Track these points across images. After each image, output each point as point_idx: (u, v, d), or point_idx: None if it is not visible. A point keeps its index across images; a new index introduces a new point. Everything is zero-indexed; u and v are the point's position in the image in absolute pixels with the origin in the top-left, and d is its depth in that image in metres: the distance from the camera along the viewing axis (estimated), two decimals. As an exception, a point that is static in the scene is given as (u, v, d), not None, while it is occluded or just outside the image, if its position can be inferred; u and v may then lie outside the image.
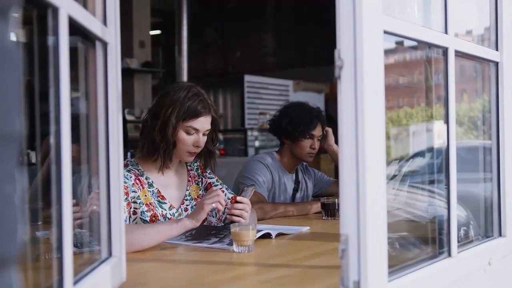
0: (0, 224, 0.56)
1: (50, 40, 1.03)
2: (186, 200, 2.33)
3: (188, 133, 2.20)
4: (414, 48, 1.73)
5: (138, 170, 2.23)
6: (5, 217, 0.56)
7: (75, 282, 1.11)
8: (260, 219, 2.70)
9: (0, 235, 0.56)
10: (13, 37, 0.58)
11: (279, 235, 2.19)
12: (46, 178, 1.16)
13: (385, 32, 1.25)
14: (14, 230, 0.57)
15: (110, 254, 1.38)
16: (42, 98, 1.05)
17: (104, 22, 1.36)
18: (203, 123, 2.22)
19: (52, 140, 1.03)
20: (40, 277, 1.21)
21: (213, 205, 1.99)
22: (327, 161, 6.70)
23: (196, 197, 2.37)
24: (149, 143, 2.20)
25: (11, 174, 0.57)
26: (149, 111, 2.26)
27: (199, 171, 2.43)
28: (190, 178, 2.39)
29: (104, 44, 1.36)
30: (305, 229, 2.36)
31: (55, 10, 1.01)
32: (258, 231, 2.04)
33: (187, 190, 2.35)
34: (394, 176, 2.23)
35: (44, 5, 0.99)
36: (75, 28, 1.13)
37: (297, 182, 3.16)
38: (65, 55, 1.03)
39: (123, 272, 1.43)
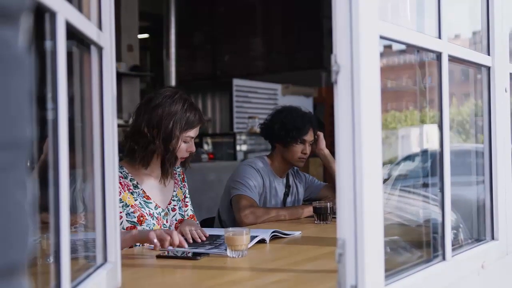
0: (12, 231, 0.55)
1: (47, 44, 1.02)
2: (174, 200, 2.42)
3: (185, 142, 2.30)
4: (402, 52, 1.75)
5: (121, 173, 2.26)
6: (17, 223, 0.56)
7: (72, 288, 1.10)
8: (252, 224, 2.70)
9: (12, 242, 0.55)
10: (23, 43, 0.58)
11: (274, 238, 2.19)
12: (38, 182, 1.15)
13: (381, 37, 1.25)
14: (25, 237, 0.57)
15: (105, 259, 1.37)
16: (38, 102, 1.05)
17: (100, 26, 1.35)
18: (197, 130, 2.35)
19: (49, 145, 1.02)
20: (35, 283, 1.20)
21: (155, 241, 1.91)
22: (315, 165, 6.71)
23: (181, 199, 2.47)
24: (150, 154, 2.26)
25: (22, 181, 0.57)
26: (146, 121, 2.25)
27: (180, 177, 2.53)
28: (176, 180, 2.48)
29: (100, 49, 1.35)
30: (297, 233, 2.36)
31: (53, 15, 1.00)
32: (252, 236, 2.04)
33: (174, 191, 2.44)
34: (385, 180, 2.24)
35: (41, 10, 0.98)
36: (71, 33, 1.12)
37: (288, 186, 3.16)
38: (62, 59, 1.03)
39: (118, 278, 1.42)
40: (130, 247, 2.11)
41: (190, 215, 2.47)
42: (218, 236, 2.19)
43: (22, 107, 0.57)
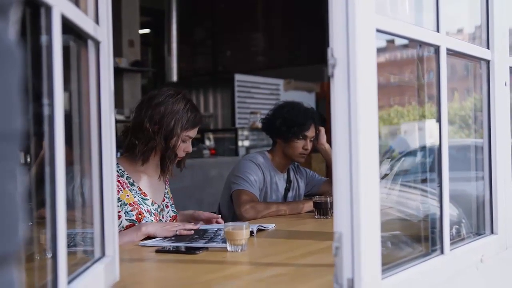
0: (2, 222, 0.56)
1: (43, 38, 1.02)
2: (166, 197, 2.47)
3: (183, 141, 2.34)
4: (405, 46, 1.74)
5: (117, 171, 2.27)
6: (7, 214, 0.57)
7: (69, 282, 1.10)
8: (253, 218, 2.70)
9: (3, 232, 0.56)
10: (13, 35, 0.58)
11: (259, 231, 2.24)
12: (36, 178, 1.15)
13: (378, 30, 1.25)
14: (16, 228, 0.58)
15: (103, 253, 1.37)
16: (34, 98, 1.05)
17: (97, 21, 1.35)
18: (196, 131, 2.39)
19: (45, 140, 1.02)
20: (33, 277, 1.21)
21: (177, 232, 2.15)
22: (318, 160, 6.71)
23: (171, 197, 2.52)
24: (150, 150, 2.29)
25: (13, 172, 0.58)
26: (148, 117, 2.27)
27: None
28: (166, 180, 2.51)
29: (97, 43, 1.35)
30: (271, 226, 2.39)
31: (48, 9, 1.00)
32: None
33: (166, 189, 2.49)
34: (386, 175, 2.24)
35: (37, 4, 0.98)
36: (67, 27, 1.12)
37: (288, 181, 3.17)
38: (58, 54, 1.03)
39: (116, 272, 1.42)
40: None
41: (173, 215, 2.48)
42: (206, 230, 2.22)
43: (12, 99, 0.57)
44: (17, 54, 0.58)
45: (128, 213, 2.24)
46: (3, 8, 0.55)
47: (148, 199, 2.33)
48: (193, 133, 2.36)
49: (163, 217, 2.39)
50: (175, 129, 2.28)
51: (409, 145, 2.19)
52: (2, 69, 0.55)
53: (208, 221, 2.44)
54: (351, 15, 1.16)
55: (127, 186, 2.29)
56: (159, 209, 2.38)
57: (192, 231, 2.16)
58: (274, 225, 2.42)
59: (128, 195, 2.27)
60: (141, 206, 2.28)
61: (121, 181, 2.27)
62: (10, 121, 0.57)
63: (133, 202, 2.26)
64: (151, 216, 2.30)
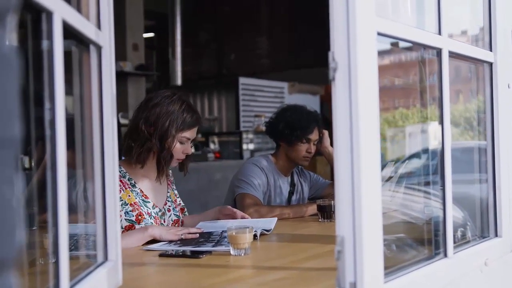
0: (0, 228, 0.56)
1: (44, 44, 1.03)
2: (168, 201, 2.46)
3: (181, 142, 2.34)
4: (409, 49, 1.74)
5: (120, 172, 2.29)
6: (5, 220, 0.57)
7: (71, 286, 1.10)
8: (256, 222, 2.70)
9: (0, 238, 0.56)
10: (10, 41, 0.58)
11: (262, 234, 2.23)
12: (40, 183, 1.16)
13: (379, 33, 1.25)
14: (13, 234, 0.58)
15: (106, 258, 1.38)
16: (35, 102, 1.05)
17: (98, 25, 1.36)
18: (195, 132, 2.38)
19: (47, 145, 1.02)
20: (35, 282, 1.21)
21: (182, 236, 2.14)
22: (323, 163, 6.70)
23: (174, 200, 2.51)
24: (146, 152, 2.29)
25: (10, 178, 0.58)
26: (144, 119, 2.29)
27: (172, 179, 2.57)
28: (169, 182, 2.52)
29: (98, 48, 1.36)
30: (273, 220, 2.42)
31: (49, 14, 1.01)
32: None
33: (168, 192, 2.48)
34: (390, 177, 2.23)
35: (38, 9, 0.99)
36: (69, 32, 1.13)
37: (292, 185, 3.16)
38: (59, 59, 1.03)
39: (119, 276, 1.42)
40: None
41: (175, 219, 2.48)
42: (211, 233, 2.22)
43: (10, 105, 0.58)
44: (15, 60, 0.58)
45: (128, 213, 2.25)
46: (0, 15, 0.56)
47: (149, 202, 2.34)
48: (190, 134, 2.35)
49: (164, 221, 2.38)
50: (169, 130, 2.28)
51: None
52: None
53: (233, 217, 2.47)
54: (352, 18, 1.16)
55: (129, 187, 2.30)
56: (160, 213, 2.38)
57: (197, 235, 2.17)
58: (276, 219, 2.44)
59: (129, 195, 2.28)
60: (141, 207, 2.29)
61: (123, 181, 2.29)
62: (7, 127, 0.57)
63: (134, 203, 2.27)
64: (151, 218, 2.30)
